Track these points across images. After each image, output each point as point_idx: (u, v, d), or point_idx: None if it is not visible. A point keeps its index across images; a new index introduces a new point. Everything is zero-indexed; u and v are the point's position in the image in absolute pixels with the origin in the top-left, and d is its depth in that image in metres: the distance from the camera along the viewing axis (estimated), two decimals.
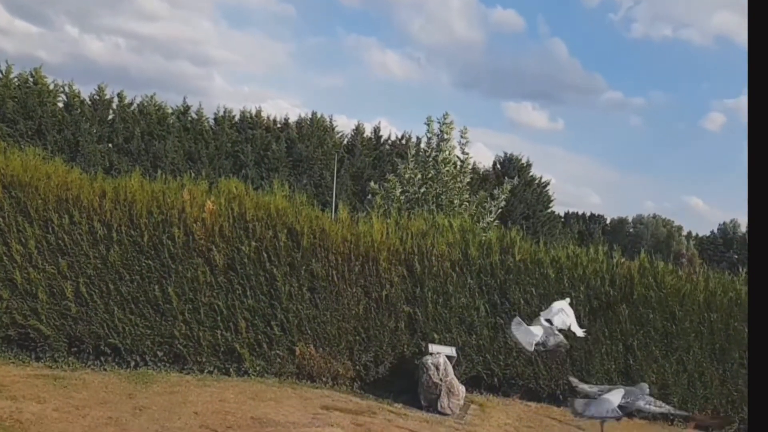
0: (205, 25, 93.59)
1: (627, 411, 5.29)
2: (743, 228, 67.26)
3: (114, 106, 41.95)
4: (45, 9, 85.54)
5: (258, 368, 7.72)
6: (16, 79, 38.33)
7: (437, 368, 7.36)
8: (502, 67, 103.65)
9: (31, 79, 38.79)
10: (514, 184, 14.31)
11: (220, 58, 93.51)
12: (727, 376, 8.36)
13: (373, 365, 7.96)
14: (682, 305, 8.31)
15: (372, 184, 13.07)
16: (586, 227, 67.05)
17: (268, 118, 46.55)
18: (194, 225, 7.62)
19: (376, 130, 48.20)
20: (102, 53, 79.42)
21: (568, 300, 6.66)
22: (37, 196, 7.39)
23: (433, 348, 7.66)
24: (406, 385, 7.73)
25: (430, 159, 12.28)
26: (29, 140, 32.85)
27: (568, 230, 57.95)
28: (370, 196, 13.30)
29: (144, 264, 7.50)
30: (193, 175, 8.85)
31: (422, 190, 11.93)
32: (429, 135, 12.58)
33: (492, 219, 11.94)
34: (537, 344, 5.89)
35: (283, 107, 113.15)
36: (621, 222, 75.00)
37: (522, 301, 8.10)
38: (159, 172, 9.80)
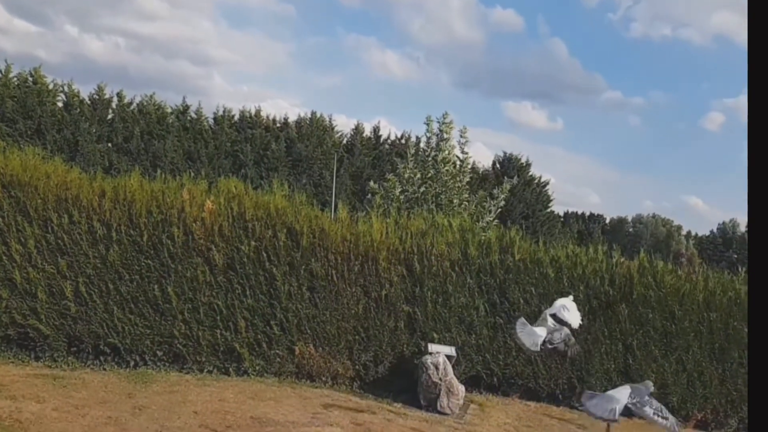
0: (205, 24, 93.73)
1: (632, 413, 5.26)
2: (742, 228, 67.36)
3: (113, 105, 41.91)
4: (45, 8, 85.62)
5: (257, 368, 7.72)
6: (15, 79, 38.28)
7: (437, 368, 7.36)
8: (501, 67, 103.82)
9: (30, 79, 38.74)
10: (513, 184, 14.30)
11: (220, 57, 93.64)
12: (726, 376, 8.37)
13: (373, 365, 7.96)
14: (681, 305, 8.32)
15: (371, 183, 13.08)
16: (585, 227, 67.08)
17: (267, 117, 46.54)
18: (194, 224, 7.62)
19: (376, 130, 48.21)
20: (101, 53, 79.52)
21: (571, 297, 6.63)
22: (37, 196, 7.39)
23: (432, 347, 7.66)
24: (406, 385, 7.73)
25: (430, 159, 12.28)
26: (28, 140, 32.81)
27: (568, 230, 57.97)
28: (369, 196, 13.30)
29: (143, 263, 7.49)
30: (192, 174, 8.84)
31: (422, 189, 11.93)
32: (428, 135, 12.59)
33: (491, 218, 11.93)
34: (544, 342, 5.84)
35: (282, 107, 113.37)
36: (620, 221, 75.05)
37: (521, 301, 8.10)
38: (158, 171, 9.80)
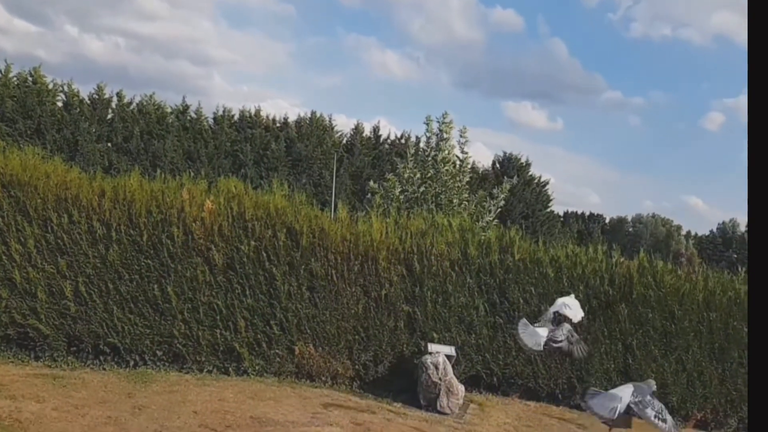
0: (205, 24, 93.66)
1: (634, 413, 5.24)
2: (742, 227, 67.40)
3: (113, 105, 41.90)
4: (44, 8, 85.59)
5: (257, 367, 7.72)
6: (15, 79, 38.27)
7: (436, 367, 7.36)
8: (501, 67, 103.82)
9: (30, 79, 38.73)
10: (513, 184, 14.30)
11: (220, 57, 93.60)
12: (726, 376, 8.37)
13: (373, 364, 7.96)
14: (681, 305, 8.32)
15: (371, 183, 13.07)
16: (585, 226, 67.07)
17: (267, 117, 46.54)
18: (193, 224, 7.62)
19: (376, 130, 48.21)
20: (101, 53, 79.47)
21: (572, 296, 6.60)
22: (36, 196, 7.39)
23: (432, 347, 7.66)
24: (406, 385, 7.73)
25: (430, 158, 12.28)
26: (28, 139, 32.81)
27: (567, 230, 57.97)
28: (369, 196, 13.30)
29: (143, 263, 7.49)
30: (192, 174, 8.84)
31: (421, 189, 11.93)
32: (428, 134, 12.59)
33: (491, 218, 11.93)
34: (547, 342, 5.81)
35: (282, 107, 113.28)
36: (620, 221, 75.05)
37: (521, 301, 8.10)
38: (158, 171, 9.80)
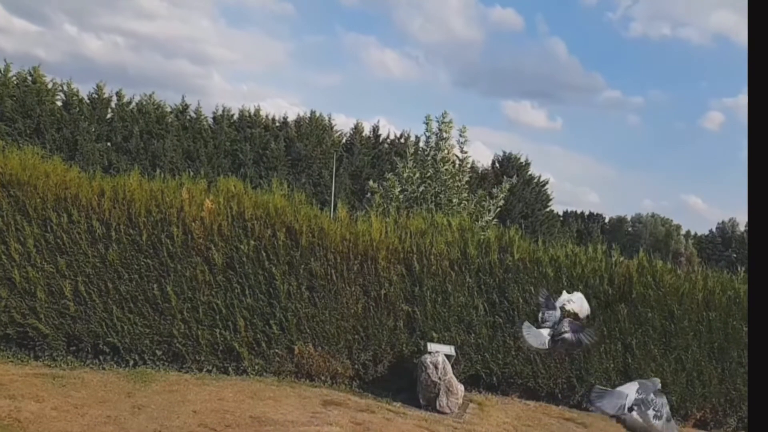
0: (204, 23, 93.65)
1: (638, 412, 5.22)
2: (742, 227, 67.48)
3: (113, 104, 41.80)
4: (43, 7, 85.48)
5: (257, 367, 7.72)
6: (14, 78, 38.17)
7: (436, 367, 7.36)
8: (500, 66, 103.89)
9: (29, 78, 38.65)
10: (512, 183, 14.27)
11: (219, 56, 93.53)
12: (725, 375, 8.38)
13: (372, 364, 7.96)
14: (680, 304, 8.32)
15: (371, 182, 13.05)
16: (584, 226, 67.07)
17: (266, 116, 46.45)
18: (193, 224, 7.62)
19: (375, 129, 48.13)
20: (100, 52, 79.44)
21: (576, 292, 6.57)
22: (36, 195, 7.38)
23: (431, 347, 7.66)
24: (405, 384, 7.73)
25: (429, 158, 12.27)
26: (28, 139, 32.78)
27: (567, 229, 57.95)
28: (368, 195, 13.29)
29: (143, 263, 7.49)
30: (191, 173, 8.84)
31: (421, 189, 11.92)
32: (428, 134, 12.58)
33: (491, 218, 11.93)
34: (554, 335, 5.79)
35: (281, 106, 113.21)
36: (620, 221, 75.05)
37: (521, 300, 8.10)
38: (158, 170, 9.80)
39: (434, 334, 7.97)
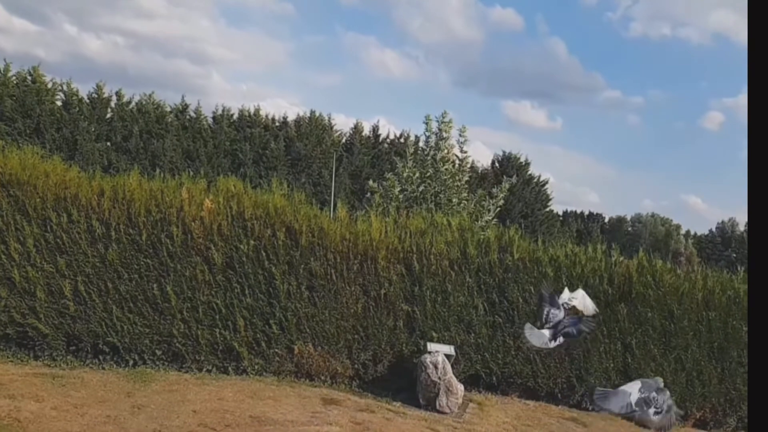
0: (204, 23, 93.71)
1: (641, 412, 5.23)
2: (741, 227, 67.49)
3: (112, 104, 41.80)
4: (43, 7, 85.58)
5: (257, 367, 7.72)
6: (14, 78, 38.18)
7: (436, 367, 7.36)
8: (500, 66, 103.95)
9: (29, 78, 38.65)
10: (512, 183, 14.26)
11: (219, 56, 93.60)
12: (725, 375, 8.38)
13: (372, 364, 7.96)
14: (680, 304, 8.32)
15: (370, 182, 13.05)
16: (584, 226, 67.07)
17: (266, 116, 46.47)
18: (193, 223, 7.62)
19: (375, 129, 48.15)
20: (100, 51, 79.51)
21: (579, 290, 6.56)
22: (36, 195, 7.38)
23: (431, 346, 7.66)
24: (405, 384, 7.73)
25: (429, 158, 12.26)
26: (27, 138, 32.78)
27: (567, 229, 57.95)
28: (368, 195, 13.28)
29: (142, 262, 7.49)
30: (191, 173, 8.83)
31: (421, 188, 11.92)
32: (428, 133, 12.57)
33: (490, 218, 11.92)
34: (555, 334, 5.79)
35: (281, 106, 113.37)
36: (619, 221, 75.06)
37: (520, 300, 8.10)
38: (157, 170, 9.80)
39: (434, 334, 7.97)
